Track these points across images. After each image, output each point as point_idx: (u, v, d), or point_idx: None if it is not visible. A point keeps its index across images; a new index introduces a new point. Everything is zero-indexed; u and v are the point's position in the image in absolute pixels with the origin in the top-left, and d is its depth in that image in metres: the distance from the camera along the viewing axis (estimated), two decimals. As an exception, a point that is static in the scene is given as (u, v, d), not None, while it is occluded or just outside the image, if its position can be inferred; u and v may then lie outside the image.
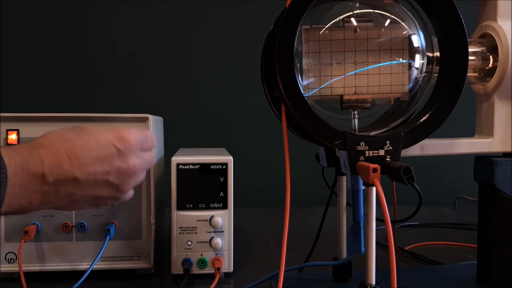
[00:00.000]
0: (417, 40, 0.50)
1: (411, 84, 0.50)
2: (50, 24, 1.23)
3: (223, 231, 0.64)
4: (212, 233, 0.64)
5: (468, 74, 0.53)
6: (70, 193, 0.47)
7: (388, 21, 0.50)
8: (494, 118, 0.54)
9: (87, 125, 0.62)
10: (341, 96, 0.50)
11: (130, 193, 0.53)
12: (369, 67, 0.49)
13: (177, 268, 0.63)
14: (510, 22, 0.52)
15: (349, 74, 0.49)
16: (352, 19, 0.50)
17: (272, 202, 1.19)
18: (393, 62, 0.49)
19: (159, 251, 0.74)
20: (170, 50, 1.25)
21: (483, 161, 0.54)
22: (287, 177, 0.48)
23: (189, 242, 0.63)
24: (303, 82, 0.49)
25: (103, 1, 1.23)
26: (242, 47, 1.25)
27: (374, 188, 0.46)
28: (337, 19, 0.50)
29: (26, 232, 0.60)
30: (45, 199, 0.46)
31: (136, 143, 0.52)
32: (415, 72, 0.50)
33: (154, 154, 0.57)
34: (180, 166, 0.63)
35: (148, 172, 0.64)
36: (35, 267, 0.63)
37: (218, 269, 0.62)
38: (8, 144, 0.62)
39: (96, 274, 0.63)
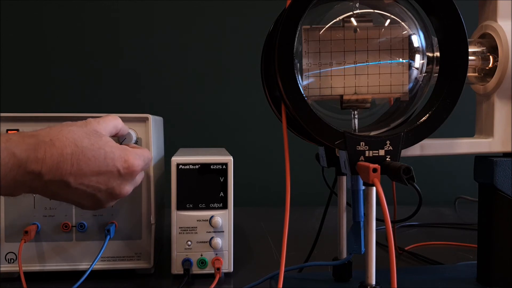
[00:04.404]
0: (417, 40, 0.50)
1: (411, 84, 0.50)
2: (50, 23, 1.23)
3: (223, 231, 0.64)
4: (212, 233, 0.64)
5: (468, 74, 0.53)
6: (55, 192, 0.48)
7: (388, 21, 0.50)
8: (494, 118, 0.54)
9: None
10: (341, 96, 0.50)
11: (109, 206, 0.55)
12: (368, 63, 0.49)
13: (177, 268, 0.63)
14: (510, 22, 0.52)
15: (349, 72, 0.49)
16: (352, 19, 0.50)
17: (272, 202, 1.19)
18: (393, 61, 0.49)
19: (159, 251, 0.74)
20: (170, 50, 1.26)
21: (483, 161, 0.54)
22: (287, 177, 0.48)
23: (189, 242, 0.63)
24: (303, 82, 0.49)
25: (104, 1, 1.23)
26: (242, 47, 1.25)
27: (374, 188, 0.46)
28: (337, 19, 0.50)
29: (26, 232, 0.60)
30: (30, 191, 0.48)
31: (138, 171, 0.53)
32: (415, 72, 0.50)
33: (143, 174, 0.59)
34: (180, 166, 0.63)
35: (148, 172, 0.64)
36: (35, 267, 0.63)
37: (218, 269, 0.62)
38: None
39: (96, 274, 0.63)
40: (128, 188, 0.53)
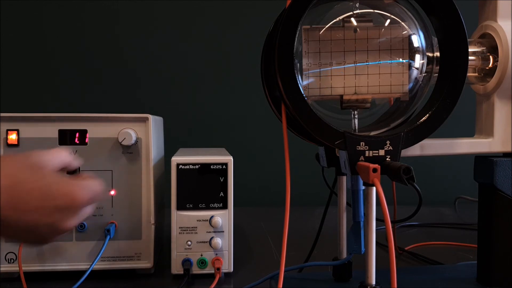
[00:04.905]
0: (417, 40, 0.50)
1: (411, 84, 0.50)
2: (50, 23, 1.23)
3: (223, 231, 0.64)
4: (212, 233, 0.64)
5: (468, 74, 0.53)
6: None
7: (388, 21, 0.50)
8: (494, 118, 0.54)
9: (88, 125, 0.63)
10: (341, 96, 0.50)
11: (53, 241, 0.50)
12: (368, 63, 0.49)
13: (177, 268, 0.63)
14: (510, 22, 0.52)
15: (349, 71, 0.49)
16: (352, 19, 0.50)
17: (272, 202, 1.19)
18: (393, 61, 0.49)
19: (159, 251, 0.74)
20: (170, 50, 1.25)
21: (483, 161, 0.54)
22: (287, 177, 0.48)
23: (189, 242, 0.63)
24: (303, 82, 0.49)
25: (104, 1, 1.23)
26: (242, 47, 1.25)
27: (374, 188, 0.46)
28: (337, 19, 0.50)
29: (26, 232, 0.60)
30: None
31: (82, 204, 0.48)
32: (415, 72, 0.50)
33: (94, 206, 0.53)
34: (180, 166, 0.63)
35: (148, 172, 0.64)
36: (35, 267, 0.63)
37: (218, 269, 0.62)
38: (8, 145, 0.62)
39: (96, 274, 0.63)
40: (72, 223, 0.48)
